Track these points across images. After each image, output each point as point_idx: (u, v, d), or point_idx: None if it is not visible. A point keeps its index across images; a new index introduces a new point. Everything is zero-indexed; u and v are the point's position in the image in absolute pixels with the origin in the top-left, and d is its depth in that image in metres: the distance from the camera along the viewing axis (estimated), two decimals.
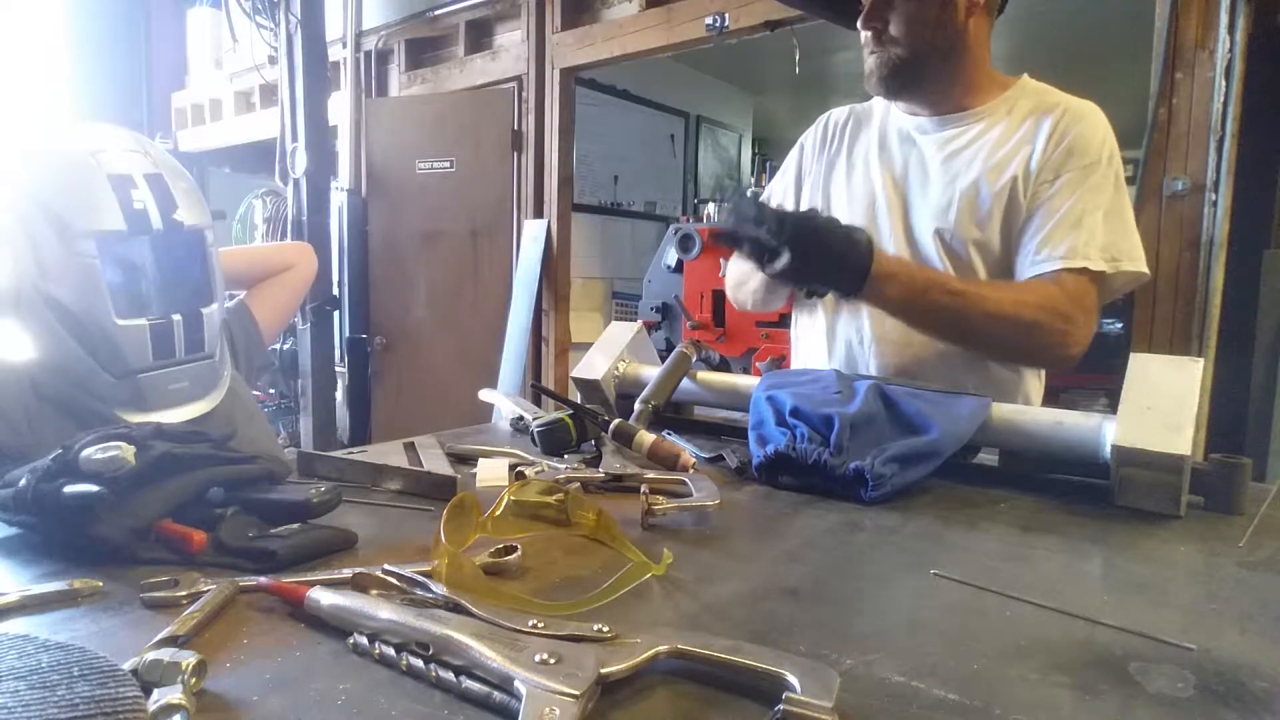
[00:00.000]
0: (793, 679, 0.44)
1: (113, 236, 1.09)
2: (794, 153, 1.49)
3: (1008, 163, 1.21)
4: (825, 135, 1.44)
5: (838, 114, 1.46)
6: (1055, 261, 1.15)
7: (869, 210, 1.31)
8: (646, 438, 1.03)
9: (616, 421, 1.07)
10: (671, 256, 4.47)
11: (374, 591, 0.56)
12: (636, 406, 1.19)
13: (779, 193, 1.49)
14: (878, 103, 1.42)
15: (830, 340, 1.35)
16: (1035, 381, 1.31)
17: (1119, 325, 3.23)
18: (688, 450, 1.12)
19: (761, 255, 1.06)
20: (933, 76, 1.26)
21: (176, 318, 1.15)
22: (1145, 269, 1.17)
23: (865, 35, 1.26)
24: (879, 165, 1.33)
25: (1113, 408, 0.92)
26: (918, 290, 1.10)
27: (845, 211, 1.33)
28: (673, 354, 1.28)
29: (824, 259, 1.06)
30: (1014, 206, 1.20)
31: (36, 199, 1.09)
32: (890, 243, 1.28)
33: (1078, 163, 1.18)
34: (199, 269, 1.20)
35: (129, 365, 1.12)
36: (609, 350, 1.34)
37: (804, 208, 1.42)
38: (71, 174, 1.10)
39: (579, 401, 1.33)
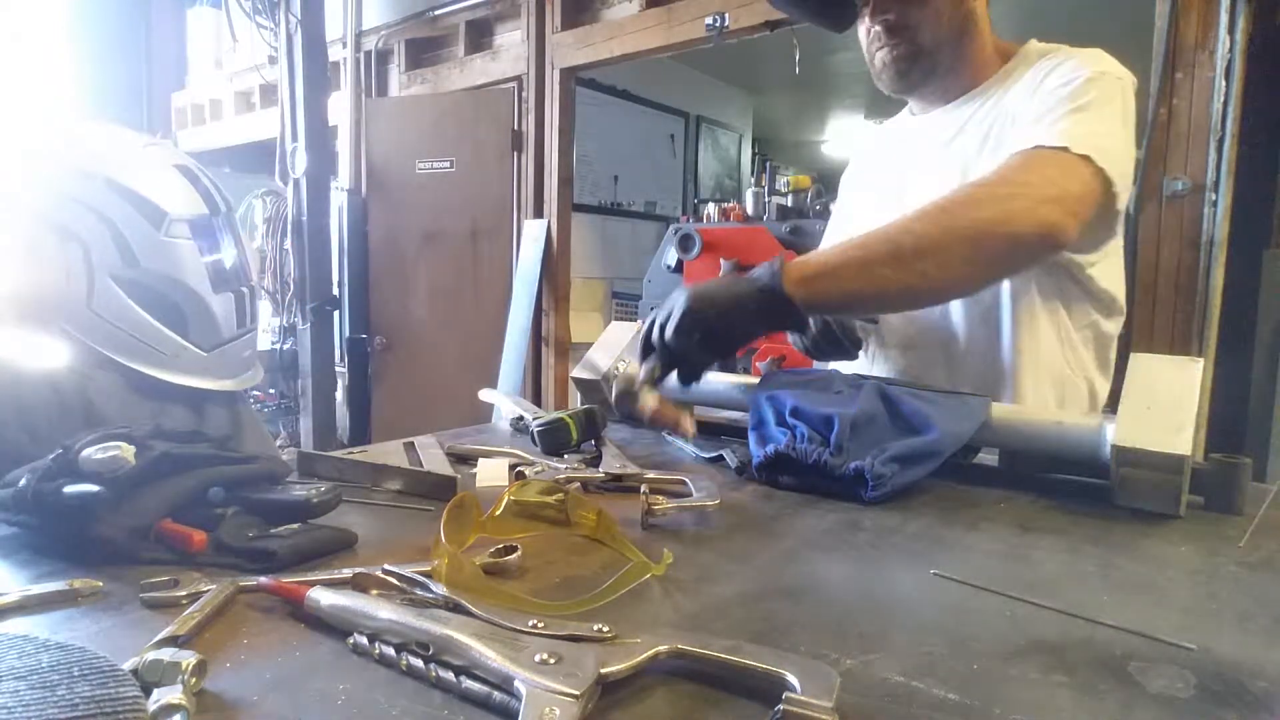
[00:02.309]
0: (793, 679, 0.44)
1: (200, 219, 1.19)
2: (839, 195, 1.50)
3: (993, 122, 1.17)
4: (854, 168, 1.45)
5: (868, 142, 1.47)
6: (1005, 154, 1.04)
7: (879, 216, 1.28)
8: (650, 399, 0.98)
9: (620, 380, 1.02)
10: (671, 256, 4.46)
11: (374, 591, 0.56)
12: (644, 367, 1.06)
13: (834, 234, 1.45)
14: (888, 124, 1.42)
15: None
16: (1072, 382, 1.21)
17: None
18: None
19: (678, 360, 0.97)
20: (948, 63, 1.22)
21: (244, 290, 1.26)
22: (1114, 167, 1.01)
23: (875, 30, 1.21)
24: (887, 170, 1.32)
25: (1113, 408, 0.92)
26: (848, 267, 0.97)
27: (862, 224, 1.31)
28: None
29: (717, 314, 0.95)
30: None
31: (116, 189, 1.13)
32: None
33: (1060, 80, 1.08)
34: (244, 246, 1.30)
35: (220, 336, 1.22)
36: (609, 350, 1.34)
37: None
38: (149, 165, 1.18)
39: (579, 402, 1.34)
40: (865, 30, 1.24)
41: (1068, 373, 1.20)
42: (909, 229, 0.98)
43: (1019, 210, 0.97)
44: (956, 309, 1.22)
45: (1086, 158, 1.00)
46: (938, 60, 1.22)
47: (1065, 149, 1.00)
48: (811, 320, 1.16)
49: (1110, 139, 1.04)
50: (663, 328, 0.96)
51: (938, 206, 0.99)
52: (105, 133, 1.24)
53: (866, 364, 1.30)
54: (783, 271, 0.95)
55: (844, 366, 1.30)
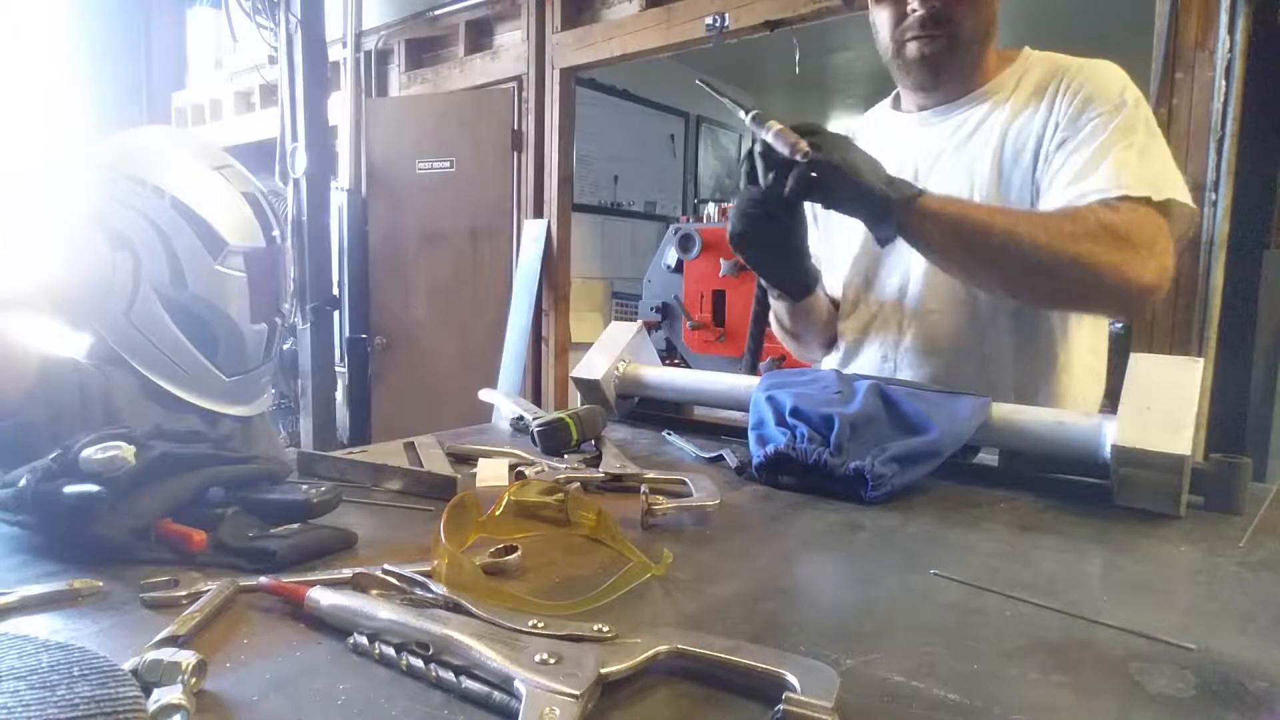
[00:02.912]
0: (793, 679, 0.44)
1: (256, 252, 1.21)
2: None
3: (1026, 138, 1.15)
4: None
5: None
6: (1091, 196, 1.06)
7: None
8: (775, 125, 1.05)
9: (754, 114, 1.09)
10: (671, 256, 4.47)
11: (374, 591, 0.56)
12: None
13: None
14: (867, 116, 1.39)
15: (853, 357, 1.32)
16: (1093, 385, 1.25)
17: (1119, 325, 3.23)
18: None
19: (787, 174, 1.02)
20: (971, 63, 1.21)
21: (278, 320, 1.28)
22: (1191, 202, 1.09)
23: (917, 17, 1.17)
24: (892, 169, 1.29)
25: (1113, 408, 0.92)
26: (959, 220, 1.04)
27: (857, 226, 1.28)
28: None
29: (861, 173, 1.01)
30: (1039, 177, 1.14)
31: (182, 210, 1.15)
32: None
33: (1099, 109, 1.11)
34: (288, 276, 1.29)
35: (246, 365, 1.24)
36: (609, 350, 1.34)
37: (815, 231, 1.38)
38: (217, 192, 1.19)
39: (579, 402, 1.34)
40: (892, 16, 1.20)
41: (1081, 376, 1.23)
42: (1009, 226, 1.04)
43: (1125, 265, 1.02)
44: (990, 321, 1.20)
45: (1167, 204, 1.06)
46: (966, 59, 1.20)
47: (1148, 199, 1.05)
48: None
49: (1178, 177, 1.10)
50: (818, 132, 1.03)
51: (1060, 221, 1.04)
52: (182, 148, 1.24)
53: (890, 369, 1.27)
54: (919, 187, 1.05)
55: (864, 366, 1.29)
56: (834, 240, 1.37)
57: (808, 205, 1.27)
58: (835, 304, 1.39)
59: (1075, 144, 1.11)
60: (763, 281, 1.34)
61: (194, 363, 1.18)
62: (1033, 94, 1.18)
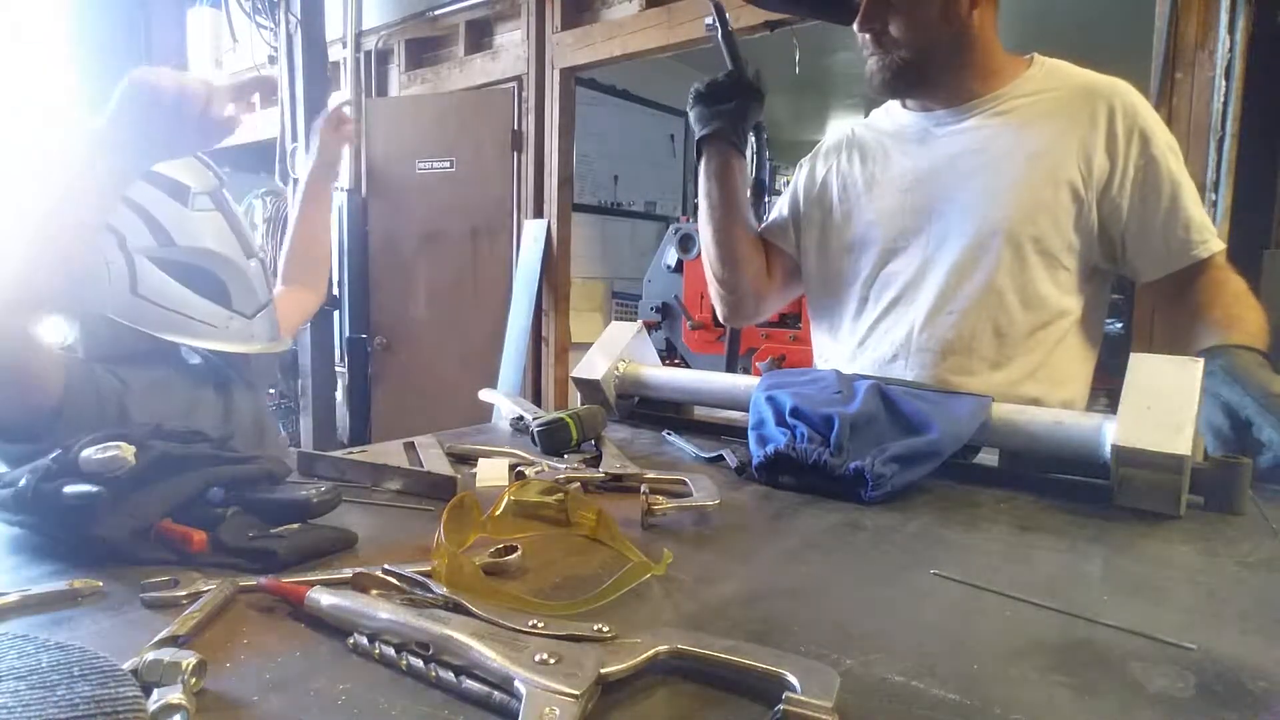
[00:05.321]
0: (793, 679, 0.44)
1: (217, 192, 1.23)
2: (796, 174, 1.46)
3: (1061, 153, 1.16)
4: (825, 158, 1.41)
5: (834, 137, 1.42)
6: (1206, 247, 1.16)
7: (903, 219, 1.26)
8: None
9: None
10: (671, 256, 4.47)
11: (374, 591, 0.56)
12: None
13: (776, 210, 1.48)
14: (878, 111, 1.39)
15: (858, 354, 1.31)
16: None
17: (1119, 325, 3.23)
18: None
19: None
20: (939, 74, 1.22)
21: (263, 256, 1.29)
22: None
23: (863, 37, 1.22)
24: (902, 172, 1.28)
25: (1113, 408, 0.92)
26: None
27: (879, 227, 1.29)
28: None
29: None
30: (1085, 201, 1.16)
31: None
32: (932, 247, 1.23)
33: (1157, 146, 1.16)
34: (240, 216, 1.32)
35: (259, 300, 1.25)
36: (609, 350, 1.34)
37: (811, 232, 1.40)
38: None
39: (579, 402, 1.34)
40: (860, 38, 1.24)
41: (1081, 386, 1.25)
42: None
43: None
44: (1007, 325, 1.20)
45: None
46: (926, 71, 1.21)
47: (1221, 252, 1.17)
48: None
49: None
50: None
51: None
52: None
53: (900, 367, 1.25)
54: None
55: (875, 365, 1.28)
56: (847, 234, 1.35)
57: (836, 200, 1.37)
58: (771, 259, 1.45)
59: (1152, 180, 1.16)
60: (699, 133, 1.39)
61: (214, 313, 1.20)
62: (1055, 107, 1.18)
